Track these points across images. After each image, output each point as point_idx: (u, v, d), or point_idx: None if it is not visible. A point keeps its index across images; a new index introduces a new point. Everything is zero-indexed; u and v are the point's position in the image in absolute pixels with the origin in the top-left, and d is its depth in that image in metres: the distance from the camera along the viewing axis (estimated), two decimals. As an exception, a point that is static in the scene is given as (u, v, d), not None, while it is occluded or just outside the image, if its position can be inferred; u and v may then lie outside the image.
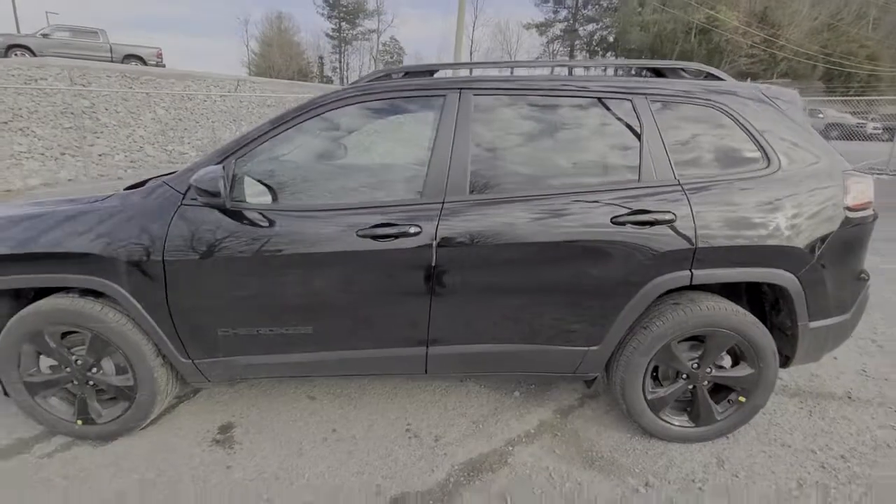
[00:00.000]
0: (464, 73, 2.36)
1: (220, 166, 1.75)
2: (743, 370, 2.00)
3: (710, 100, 1.93)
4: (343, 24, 50.82)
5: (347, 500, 1.78)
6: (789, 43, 33.58)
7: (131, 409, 2.01)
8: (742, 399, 2.04)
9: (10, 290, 1.93)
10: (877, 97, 22.37)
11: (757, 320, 1.93)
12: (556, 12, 44.93)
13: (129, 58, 17.71)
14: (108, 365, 2.00)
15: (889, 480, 1.89)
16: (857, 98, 21.21)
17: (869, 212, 1.99)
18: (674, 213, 1.83)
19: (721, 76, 2.07)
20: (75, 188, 9.48)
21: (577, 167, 1.96)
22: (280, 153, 1.98)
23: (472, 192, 1.86)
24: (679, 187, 1.87)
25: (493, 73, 2.18)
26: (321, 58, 52.62)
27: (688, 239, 1.82)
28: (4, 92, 10.44)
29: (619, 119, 1.92)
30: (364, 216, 1.83)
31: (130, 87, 12.43)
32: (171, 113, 12.86)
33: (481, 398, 2.41)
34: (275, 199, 1.96)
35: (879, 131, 20.56)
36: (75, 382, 2.00)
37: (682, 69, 2.08)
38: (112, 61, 17.14)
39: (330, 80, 51.34)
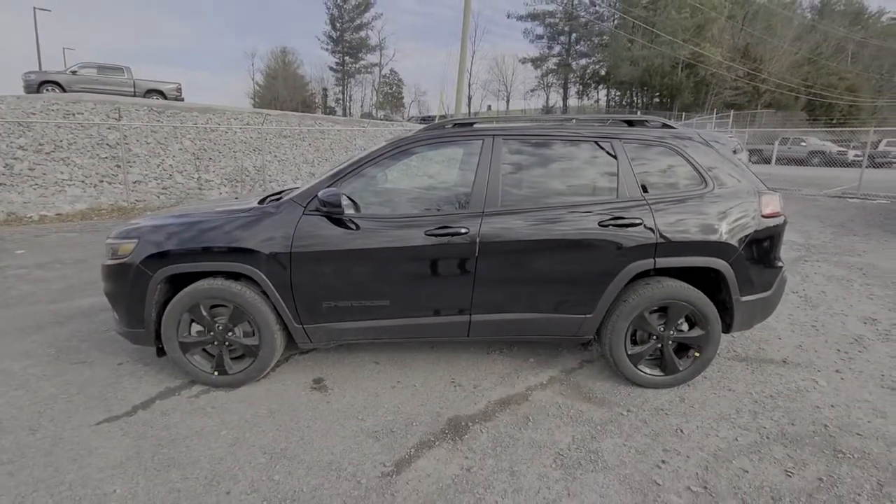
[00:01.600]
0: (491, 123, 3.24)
1: (336, 188, 2.60)
2: (696, 332, 2.79)
3: (666, 142, 2.81)
4: (346, 58, 53.14)
5: (417, 419, 2.53)
6: (771, 76, 35.53)
7: (255, 363, 2.78)
8: (697, 354, 2.82)
9: (174, 275, 2.71)
10: (853, 128, 23.70)
11: (702, 294, 2.73)
12: (549, 48, 47.39)
13: (150, 92, 18.98)
14: (239, 330, 2.78)
15: (798, 406, 2.66)
16: (834, 129, 22.50)
17: (779, 219, 2.83)
18: (641, 219, 2.67)
19: (671, 125, 2.96)
20: (134, 212, 10.32)
21: (573, 188, 2.82)
22: (370, 180, 2.82)
23: (502, 205, 2.70)
24: (644, 202, 2.71)
25: (517, 123, 3.05)
26: (325, 90, 54.77)
27: (651, 236, 2.66)
28: (46, 125, 11.46)
29: (602, 156, 2.79)
30: (429, 220, 2.66)
31: (159, 121, 13.43)
32: (197, 144, 13.86)
33: (505, 363, 3.18)
34: (357, 210, 2.79)
35: (860, 158, 21.79)
36: (215, 343, 2.77)
37: (646, 121, 2.96)
38: (135, 96, 18.40)
39: (333, 111, 53.39)
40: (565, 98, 49.07)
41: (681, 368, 2.84)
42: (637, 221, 2.67)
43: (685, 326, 2.85)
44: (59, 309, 4.13)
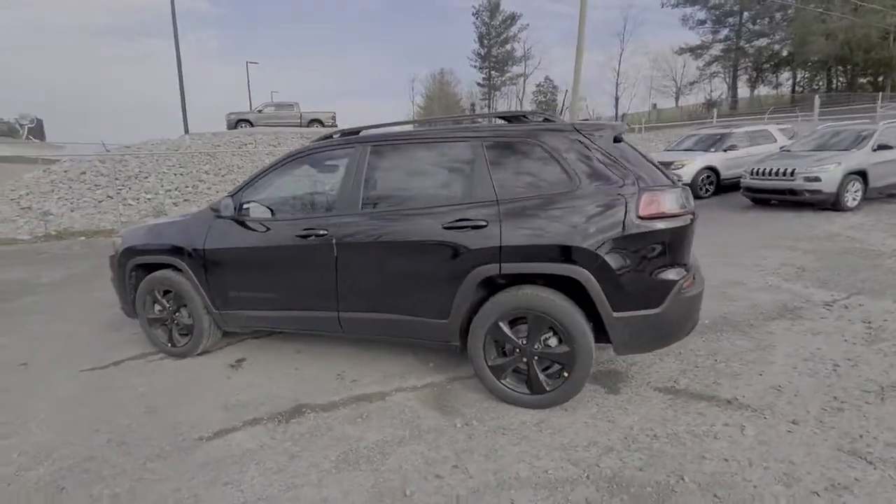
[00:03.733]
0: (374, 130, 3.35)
1: (231, 198, 3.09)
2: (562, 348, 2.47)
3: (532, 138, 2.56)
4: (493, 72, 54.95)
5: (272, 401, 2.82)
6: None
7: (192, 340, 3.43)
8: (566, 374, 2.49)
9: (139, 264, 3.50)
10: None
11: (568, 306, 2.41)
12: (714, 32, 41.35)
13: (312, 122, 22.86)
14: (185, 311, 3.45)
15: (677, 453, 2.15)
16: None
17: (668, 221, 2.32)
18: (487, 221, 2.50)
19: (553, 119, 2.67)
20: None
21: (431, 191, 2.77)
22: (265, 189, 3.24)
23: (362, 208, 2.82)
24: (496, 203, 2.53)
25: (399, 129, 3.13)
26: (473, 105, 57.54)
27: (495, 240, 2.47)
28: (225, 154, 14.75)
29: (461, 157, 2.69)
30: (301, 223, 2.95)
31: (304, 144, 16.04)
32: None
33: (403, 363, 3.23)
34: (272, 214, 3.21)
35: None
36: (168, 321, 3.50)
37: (524, 115, 2.73)
38: (300, 125, 22.34)
39: (480, 124, 55.57)
40: (734, 88, 42.11)
41: (548, 389, 2.53)
42: (482, 224, 2.51)
43: (553, 341, 2.54)
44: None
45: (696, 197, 10.76)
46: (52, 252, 8.40)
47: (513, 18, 52.52)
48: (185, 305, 3.42)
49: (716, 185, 10.49)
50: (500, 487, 2.00)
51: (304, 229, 2.90)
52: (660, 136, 23.13)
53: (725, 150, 10.57)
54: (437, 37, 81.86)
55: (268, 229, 3.05)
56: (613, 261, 2.33)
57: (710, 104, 39.86)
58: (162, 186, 12.82)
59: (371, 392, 2.88)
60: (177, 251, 3.29)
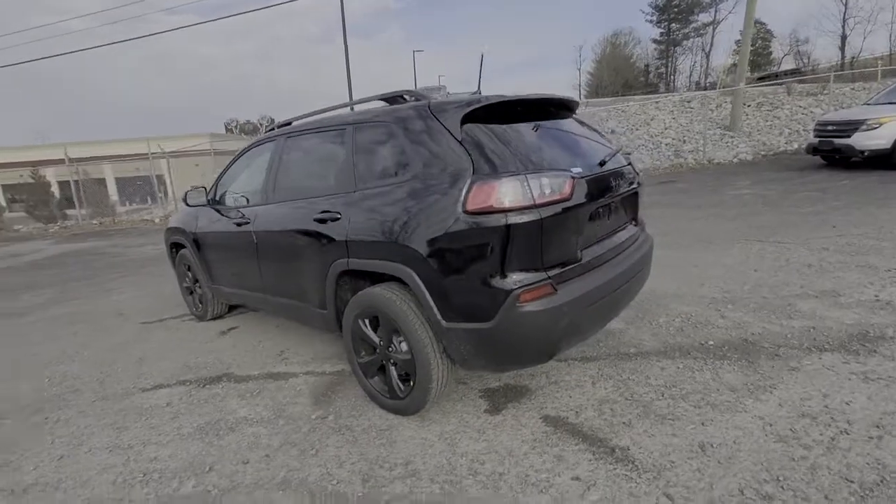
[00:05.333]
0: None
1: (204, 188, 3.57)
2: (406, 354, 2.24)
3: (388, 122, 2.31)
4: (672, 25, 47.58)
5: (213, 367, 3.24)
6: None
7: (204, 308, 4.12)
8: (411, 382, 2.26)
9: (173, 242, 4.33)
10: None
11: (405, 308, 2.16)
12: None
13: (458, 102, 23.56)
14: (198, 285, 4.16)
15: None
16: None
17: (503, 217, 1.84)
18: (340, 213, 2.38)
19: (424, 96, 2.33)
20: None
21: (316, 181, 2.72)
22: (230, 180, 3.62)
23: (272, 197, 2.96)
24: (354, 193, 2.38)
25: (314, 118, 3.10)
26: (647, 65, 51.05)
27: (344, 233, 2.34)
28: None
29: (338, 144, 2.57)
30: (237, 212, 3.25)
31: None
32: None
33: (339, 347, 3.32)
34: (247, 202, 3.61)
35: None
36: (193, 291, 4.26)
37: (402, 95, 2.44)
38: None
39: (655, 88, 49.18)
40: None
41: (401, 395, 2.34)
42: (337, 216, 2.41)
43: (405, 346, 2.30)
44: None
45: (896, 167, 7.84)
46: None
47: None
48: (198, 280, 4.12)
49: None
50: (272, 488, 1.99)
51: (238, 218, 3.20)
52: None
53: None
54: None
55: (221, 217, 3.45)
56: (439, 262, 1.99)
57: None
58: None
59: (286, 371, 3.07)
60: (182, 233, 3.97)
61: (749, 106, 15.30)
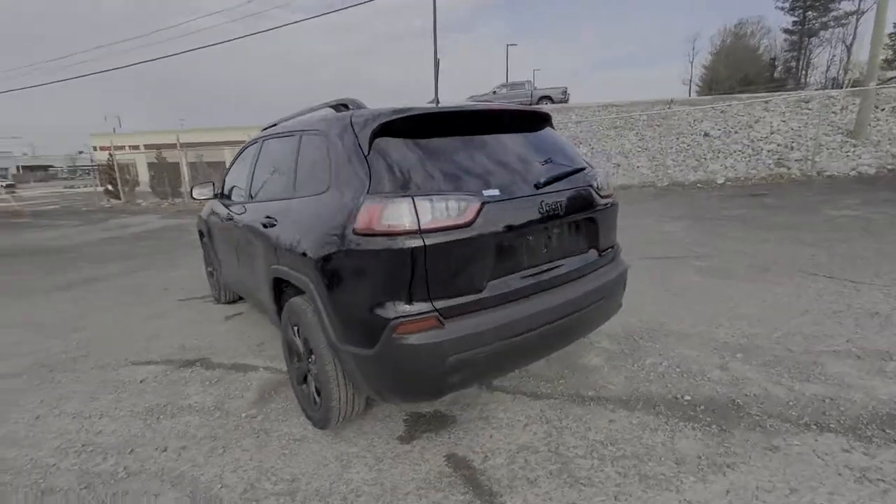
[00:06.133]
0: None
1: (211, 183, 3.83)
2: (316, 367, 2.19)
3: (321, 131, 2.26)
4: (808, 13, 41.24)
5: (200, 349, 3.47)
6: None
7: (220, 293, 4.45)
8: (318, 397, 2.22)
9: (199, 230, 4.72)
10: None
11: (314, 322, 2.11)
12: None
13: (542, 98, 22.82)
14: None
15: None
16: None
17: (385, 241, 1.71)
18: (277, 220, 2.40)
19: (351, 105, 2.25)
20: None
21: (272, 184, 2.75)
22: (231, 175, 3.82)
23: (249, 197, 3.08)
24: (291, 200, 2.37)
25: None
26: (773, 59, 44.91)
27: (276, 240, 2.36)
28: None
29: (287, 150, 2.58)
30: (227, 208, 3.43)
31: None
32: (530, 141, 16.04)
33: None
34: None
35: None
36: (214, 276, 4.62)
37: (345, 104, 2.36)
38: (530, 103, 22.65)
39: (782, 84, 43.21)
40: None
41: (315, 407, 2.31)
42: (275, 222, 2.43)
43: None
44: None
45: None
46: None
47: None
48: (215, 268, 4.45)
49: None
50: (167, 480, 2.07)
51: (227, 212, 3.38)
52: None
53: None
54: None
55: (221, 211, 3.66)
56: (334, 281, 1.91)
57: None
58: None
59: (251, 364, 3.20)
60: (203, 222, 4.30)
61: (882, 110, 12.80)
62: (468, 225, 1.79)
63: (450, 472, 1.99)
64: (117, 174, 18.90)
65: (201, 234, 4.70)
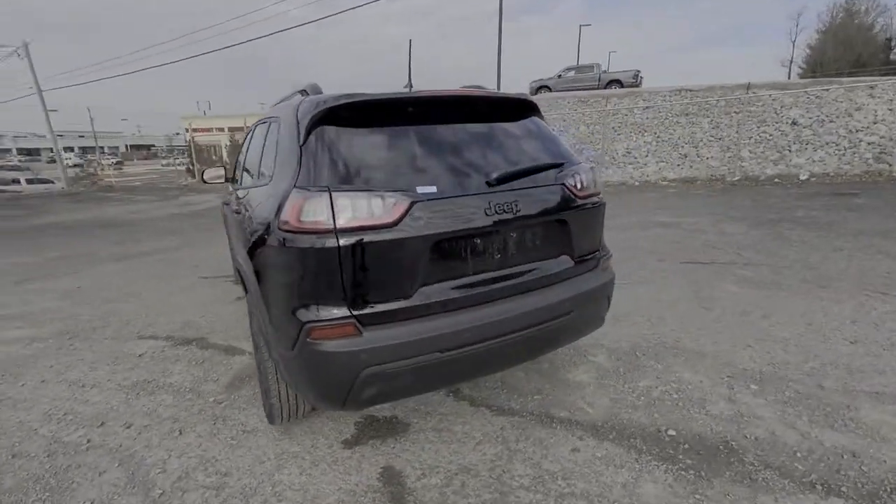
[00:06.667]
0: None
1: (223, 166, 3.91)
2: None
3: (278, 118, 2.17)
4: (946, -20, 34.98)
5: (200, 327, 3.60)
6: None
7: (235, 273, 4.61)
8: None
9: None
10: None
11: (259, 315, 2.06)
12: None
13: (611, 83, 21.45)
14: (236, 250, 4.66)
15: None
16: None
17: (305, 239, 1.58)
18: (241, 209, 2.36)
19: (306, 92, 2.12)
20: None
21: (247, 172, 2.71)
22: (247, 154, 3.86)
23: (236, 180, 3.09)
24: (255, 189, 2.32)
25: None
26: (889, 39, 38.79)
27: (238, 229, 2.33)
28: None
29: (263, 136, 2.53)
30: (231, 190, 3.48)
31: (582, 111, 15.40)
32: (589, 128, 15.24)
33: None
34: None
35: None
36: (234, 255, 4.79)
37: (305, 90, 2.23)
38: (598, 87, 21.35)
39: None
40: None
41: (265, 400, 2.28)
42: (243, 209, 2.39)
43: (269, 353, 2.21)
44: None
45: None
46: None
47: None
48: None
49: None
50: (116, 458, 2.13)
51: (229, 195, 3.44)
52: None
53: None
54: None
55: (230, 193, 3.74)
56: (262, 277, 1.85)
57: None
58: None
59: (240, 348, 3.26)
60: (224, 204, 4.45)
61: None
62: (393, 225, 1.62)
63: (378, 487, 1.87)
64: (193, 154, 20.45)
65: (224, 218, 4.88)
